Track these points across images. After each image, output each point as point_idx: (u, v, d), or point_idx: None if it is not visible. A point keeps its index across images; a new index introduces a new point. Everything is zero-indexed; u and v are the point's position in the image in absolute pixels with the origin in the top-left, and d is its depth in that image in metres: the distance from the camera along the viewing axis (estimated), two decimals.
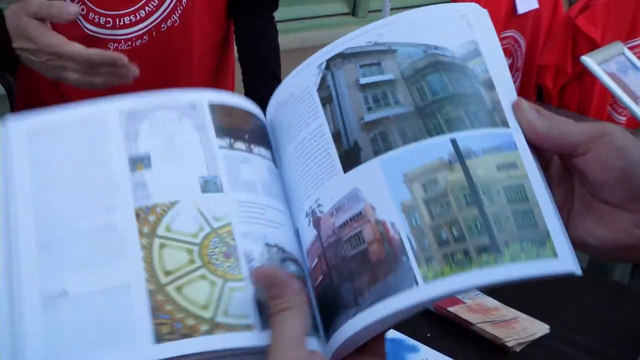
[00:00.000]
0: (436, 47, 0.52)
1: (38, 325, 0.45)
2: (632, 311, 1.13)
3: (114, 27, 1.30)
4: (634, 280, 2.01)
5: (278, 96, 0.57)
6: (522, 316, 1.05)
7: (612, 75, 1.34)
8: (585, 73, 2.20)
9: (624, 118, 2.34)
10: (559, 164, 0.52)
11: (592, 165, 0.49)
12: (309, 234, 0.52)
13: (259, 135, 0.55)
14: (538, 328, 1.02)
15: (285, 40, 1.48)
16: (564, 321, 1.05)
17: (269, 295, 0.46)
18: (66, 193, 0.49)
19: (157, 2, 1.30)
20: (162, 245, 0.47)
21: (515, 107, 0.51)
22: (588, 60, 1.34)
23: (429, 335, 0.99)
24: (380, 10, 2.59)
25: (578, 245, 0.50)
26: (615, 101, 2.26)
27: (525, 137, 0.50)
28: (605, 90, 2.10)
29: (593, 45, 2.15)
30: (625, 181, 0.48)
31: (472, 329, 1.00)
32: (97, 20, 1.30)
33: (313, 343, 0.48)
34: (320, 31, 2.77)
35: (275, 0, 1.44)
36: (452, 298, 1.06)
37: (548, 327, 1.03)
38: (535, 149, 0.50)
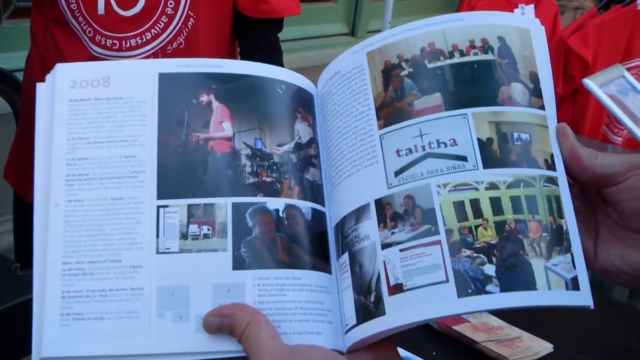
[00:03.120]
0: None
1: None
2: (632, 329, 1.14)
3: (120, 49, 1.31)
4: (632, 299, 2.02)
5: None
6: (526, 335, 1.06)
7: (612, 98, 1.36)
8: (578, 92, 2.22)
9: (620, 139, 2.36)
10: (577, 194, 0.52)
11: (627, 194, 0.49)
12: None
13: None
14: (542, 347, 1.03)
15: (287, 59, 1.50)
16: (566, 340, 1.06)
17: (228, 331, 0.48)
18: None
19: (163, 24, 1.31)
20: None
21: (559, 133, 0.51)
22: (589, 82, 1.36)
23: (434, 353, 1.00)
24: (379, 31, 2.61)
25: (608, 273, 0.50)
26: (611, 121, 2.28)
27: (565, 165, 0.50)
28: (600, 110, 2.12)
29: (584, 65, 2.18)
30: None
31: (477, 348, 1.01)
32: (103, 43, 1.31)
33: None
34: (321, 51, 2.80)
35: (279, 22, 1.46)
36: (456, 317, 1.06)
37: (552, 346, 1.04)
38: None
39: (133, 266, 0.50)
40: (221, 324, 0.48)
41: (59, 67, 0.55)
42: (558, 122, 0.52)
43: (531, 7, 2.48)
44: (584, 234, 0.50)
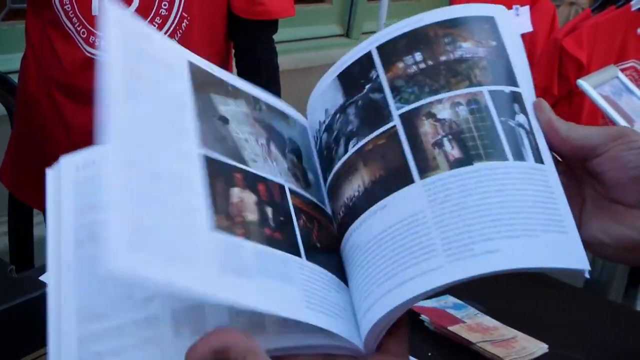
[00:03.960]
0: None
1: None
2: (627, 329, 1.14)
3: None
4: (627, 299, 2.03)
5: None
6: (521, 335, 1.06)
7: (607, 99, 1.37)
8: (573, 94, 2.23)
9: None
10: (563, 169, 0.53)
11: (609, 165, 0.50)
12: None
13: None
14: (537, 347, 1.04)
15: (282, 60, 1.50)
16: (561, 340, 1.06)
17: None
18: None
19: (156, 26, 1.31)
20: None
21: (536, 107, 0.52)
22: (583, 84, 1.37)
23: (429, 354, 1.00)
24: (374, 32, 2.62)
25: (592, 245, 0.50)
26: (606, 122, 2.29)
27: (545, 138, 0.51)
28: (595, 111, 2.12)
29: (579, 67, 2.18)
30: None
31: (472, 348, 1.01)
32: (97, 43, 1.31)
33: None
34: (316, 52, 2.81)
35: (274, 24, 1.46)
36: (452, 318, 1.07)
37: (547, 346, 1.04)
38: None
39: (145, 298, 0.49)
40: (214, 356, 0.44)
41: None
42: None
43: (526, 8, 2.48)
44: (570, 207, 0.50)
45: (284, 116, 0.58)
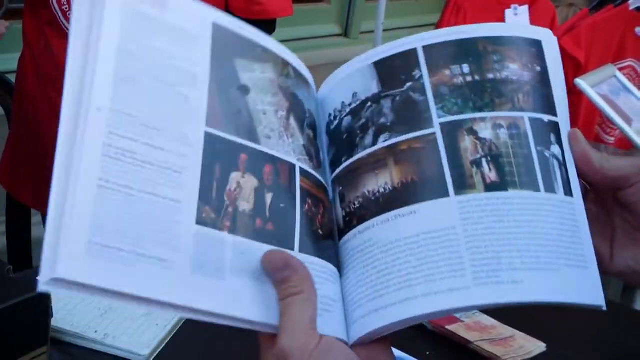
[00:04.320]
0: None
1: None
2: (625, 329, 1.14)
3: None
4: (626, 299, 2.03)
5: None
6: (519, 334, 1.06)
7: (605, 98, 1.37)
8: (571, 93, 2.23)
9: (612, 138, 2.36)
10: (593, 199, 0.53)
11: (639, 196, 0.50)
12: None
13: None
14: (535, 346, 1.04)
15: None
16: (560, 339, 1.06)
17: (278, 279, 0.46)
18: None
19: None
20: None
21: (571, 137, 0.52)
22: (581, 83, 1.37)
23: (428, 353, 1.00)
24: (372, 32, 2.62)
25: (625, 274, 0.51)
26: (603, 121, 2.29)
27: (577, 169, 0.51)
28: (593, 110, 2.12)
29: (577, 66, 2.18)
30: None
31: (470, 347, 1.01)
32: None
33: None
34: (314, 52, 2.80)
35: (272, 24, 1.46)
36: (450, 317, 1.07)
37: (545, 345, 1.04)
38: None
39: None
40: (282, 269, 0.46)
41: None
42: None
43: (525, 7, 2.48)
44: (601, 237, 0.51)
45: (308, 85, 0.57)
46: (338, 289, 0.51)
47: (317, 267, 0.50)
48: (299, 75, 0.56)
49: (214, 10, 0.52)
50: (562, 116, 0.53)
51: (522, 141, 0.51)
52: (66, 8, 1.31)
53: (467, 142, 0.51)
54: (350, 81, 0.56)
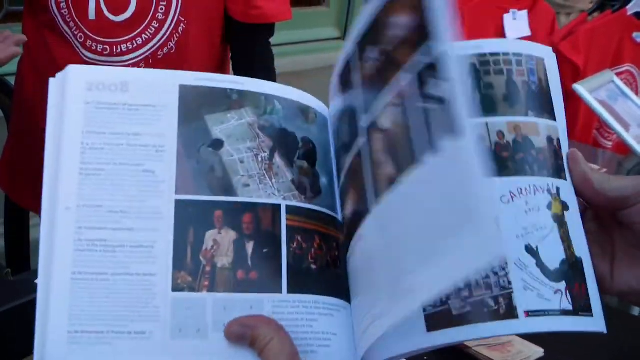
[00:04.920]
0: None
1: None
2: (623, 334, 1.14)
3: (111, 54, 1.31)
4: (623, 303, 2.03)
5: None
6: (517, 339, 1.06)
7: (603, 103, 1.37)
8: (569, 97, 2.23)
9: (610, 143, 2.37)
10: (592, 219, 0.52)
11: None
12: None
13: None
14: (532, 351, 1.04)
15: (279, 63, 1.50)
16: (557, 344, 1.06)
17: (248, 343, 0.46)
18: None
19: (153, 30, 1.31)
20: None
21: (570, 159, 0.51)
22: (579, 88, 1.37)
23: (425, 358, 1.00)
24: None
25: (627, 294, 0.51)
26: (601, 126, 2.29)
27: (576, 190, 0.50)
28: (591, 115, 2.13)
29: (576, 71, 2.19)
30: None
31: (468, 352, 1.01)
32: (94, 48, 1.32)
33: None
34: (313, 55, 2.81)
35: (271, 27, 1.46)
36: None
37: (542, 350, 1.04)
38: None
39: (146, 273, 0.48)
40: (244, 334, 0.46)
41: (72, 68, 0.53)
42: None
43: (524, 12, 2.48)
44: (601, 257, 0.51)
45: (303, 112, 0.55)
46: (340, 320, 0.50)
47: (309, 304, 0.49)
48: (288, 106, 0.54)
49: (179, 73, 0.52)
50: (562, 138, 0.52)
51: None
52: (65, 12, 1.31)
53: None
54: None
